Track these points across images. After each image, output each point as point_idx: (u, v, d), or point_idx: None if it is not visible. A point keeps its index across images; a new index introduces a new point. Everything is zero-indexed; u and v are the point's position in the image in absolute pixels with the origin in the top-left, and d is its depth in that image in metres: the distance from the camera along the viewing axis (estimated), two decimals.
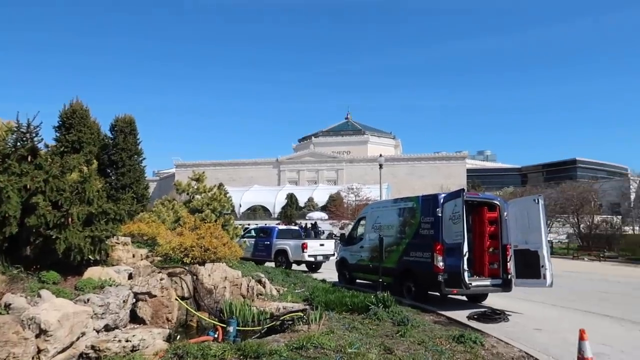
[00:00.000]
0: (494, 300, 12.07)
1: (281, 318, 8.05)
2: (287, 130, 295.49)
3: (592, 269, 23.61)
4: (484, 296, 12.21)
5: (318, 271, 20.30)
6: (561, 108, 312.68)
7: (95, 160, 13.98)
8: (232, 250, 10.63)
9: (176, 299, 8.36)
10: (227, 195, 16.73)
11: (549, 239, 39.32)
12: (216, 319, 8.75)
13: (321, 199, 64.87)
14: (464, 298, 12.37)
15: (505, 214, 11.58)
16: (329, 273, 17.56)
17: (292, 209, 56.97)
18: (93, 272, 8.22)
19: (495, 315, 9.93)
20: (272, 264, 20.04)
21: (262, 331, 7.84)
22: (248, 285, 9.96)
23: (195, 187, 15.25)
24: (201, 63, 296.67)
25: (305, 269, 20.53)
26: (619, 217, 40.73)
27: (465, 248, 10.32)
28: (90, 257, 8.24)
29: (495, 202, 11.87)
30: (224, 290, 9.52)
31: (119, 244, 10.28)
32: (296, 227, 25.48)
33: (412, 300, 11.37)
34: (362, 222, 14.83)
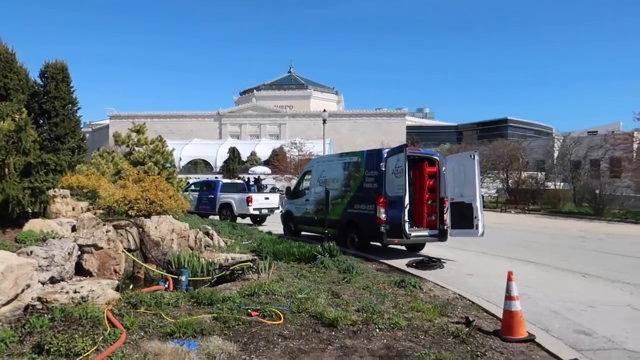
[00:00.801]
0: (431, 250, 12.86)
1: (231, 268, 8.23)
2: (228, 83, 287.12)
3: (518, 221, 25.43)
4: (421, 246, 12.96)
5: (263, 224, 20.54)
6: (496, 68, 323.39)
7: (24, 109, 13.08)
8: (178, 202, 10.56)
9: (123, 251, 8.30)
10: (169, 148, 16.30)
11: (481, 193, 41.68)
12: (164, 271, 8.80)
13: (264, 153, 64.52)
14: (404, 248, 13.07)
15: (443, 168, 12.17)
16: (273, 226, 17.84)
17: (234, 163, 56.34)
18: (34, 225, 7.96)
19: (432, 263, 10.63)
20: (217, 218, 20.07)
21: (212, 281, 8.00)
22: (196, 237, 10.02)
23: (136, 139, 14.76)
24: (135, 11, 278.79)
25: (250, 222, 20.72)
26: (543, 173, 43.64)
27: (407, 201, 10.83)
28: (29, 209, 7.95)
29: (435, 157, 12.43)
30: (171, 243, 9.53)
31: (57, 196, 9.92)
32: (241, 181, 25.41)
33: (355, 250, 11.89)
34: (308, 176, 15.07)
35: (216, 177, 33.11)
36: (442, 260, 11.05)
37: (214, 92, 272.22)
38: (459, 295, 7.63)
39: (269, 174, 49.17)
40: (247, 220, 20.85)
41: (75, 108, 16.29)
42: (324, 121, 34.33)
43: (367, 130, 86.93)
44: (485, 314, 6.71)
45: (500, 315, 5.99)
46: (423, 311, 6.21)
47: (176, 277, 7.92)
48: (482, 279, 9.40)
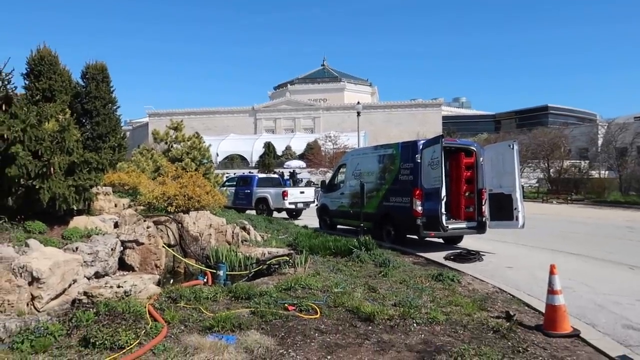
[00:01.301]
0: (469, 242, 12.63)
1: (267, 262, 8.31)
2: (262, 77, 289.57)
3: (560, 212, 24.64)
4: (459, 238, 12.75)
5: (299, 218, 20.67)
6: (535, 54, 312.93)
7: (68, 110, 13.60)
8: (215, 198, 10.74)
9: (163, 246, 8.51)
10: (205, 144, 16.56)
11: (521, 183, 40.57)
12: (203, 265, 8.99)
13: (299, 147, 64.85)
14: (441, 240, 12.89)
15: (481, 159, 11.90)
16: (309, 220, 17.91)
17: (270, 157, 56.82)
18: (78, 222, 8.26)
19: (470, 256, 10.43)
20: (253, 212, 20.34)
21: (250, 275, 8.10)
22: (233, 232, 10.16)
23: (174, 136, 15.09)
24: (170, 3, 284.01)
25: (286, 216, 20.89)
26: (587, 161, 42.08)
27: (444, 192, 10.65)
28: (74, 206, 8.25)
29: (472, 147, 12.16)
30: (209, 238, 9.70)
31: (100, 193, 10.26)
32: (276, 176, 25.63)
33: (391, 244, 11.80)
34: (342, 169, 15.04)
35: (252, 172, 33.64)
36: (481, 253, 10.82)
37: (249, 87, 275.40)
38: (499, 288, 7.45)
39: (304, 168, 49.41)
40: (284, 214, 21.03)
41: (115, 107, 16.84)
42: (358, 113, 34.10)
43: (401, 122, 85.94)
44: (526, 308, 6.53)
45: (542, 309, 5.82)
46: (462, 305, 6.10)
47: (214, 271, 8.06)
48: (522, 272, 9.15)
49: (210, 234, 9.78)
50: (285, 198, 19.40)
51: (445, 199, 10.74)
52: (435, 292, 6.84)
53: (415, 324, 5.35)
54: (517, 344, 4.90)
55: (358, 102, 38.18)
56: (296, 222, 18.02)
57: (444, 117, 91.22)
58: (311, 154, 51.79)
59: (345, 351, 4.53)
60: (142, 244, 7.91)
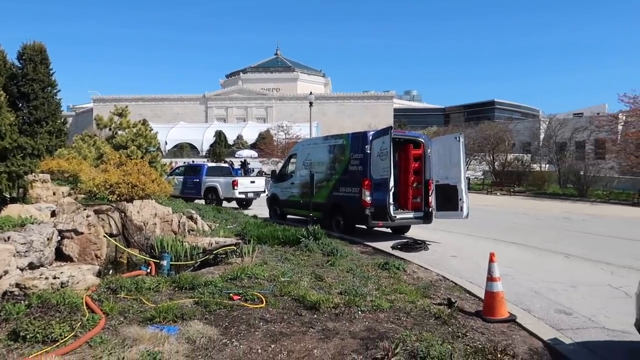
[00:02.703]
0: (416, 232, 12.91)
1: (214, 252, 8.18)
2: (214, 66, 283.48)
3: (503, 203, 25.65)
4: (407, 228, 13.01)
5: (249, 208, 20.47)
6: (484, 50, 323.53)
7: (1, 92, 12.75)
8: (161, 187, 10.43)
9: (104, 236, 8.19)
10: (153, 131, 16.03)
11: (467, 175, 41.90)
12: (147, 255, 8.73)
13: (251, 136, 64.16)
14: (389, 230, 13.12)
15: (429, 151, 12.17)
16: (259, 209, 17.78)
17: (220, 146, 55.91)
18: (12, 210, 7.80)
19: (417, 245, 10.67)
20: (202, 202, 19.95)
21: (196, 265, 7.95)
22: (179, 222, 9.92)
23: (118, 122, 14.49)
24: None
25: (236, 206, 20.64)
26: (529, 155, 43.97)
27: (392, 183, 10.82)
28: (7, 194, 7.78)
29: (420, 139, 12.41)
30: (154, 227, 9.42)
31: (37, 181, 9.75)
32: (226, 165, 25.23)
33: (341, 233, 11.90)
34: (293, 159, 14.98)
35: (203, 161, 32.94)
36: (427, 242, 11.09)
37: (200, 74, 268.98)
38: (442, 276, 7.66)
39: (255, 158, 48.97)
40: (234, 204, 20.76)
41: (55, 91, 15.89)
42: (311, 104, 34.10)
43: (354, 113, 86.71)
44: (467, 295, 6.75)
45: (483, 296, 6.03)
46: (406, 293, 6.22)
47: (158, 261, 7.85)
48: (465, 261, 9.46)
49: (155, 224, 9.50)
50: (235, 187, 19.13)
51: (393, 190, 10.91)
52: (381, 281, 6.95)
53: (360, 312, 5.40)
54: (457, 330, 5.05)
55: (310, 93, 38.16)
56: (246, 212, 17.83)
57: (396, 110, 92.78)
58: (263, 144, 51.40)
59: (289, 339, 4.52)
60: (82, 233, 7.57)
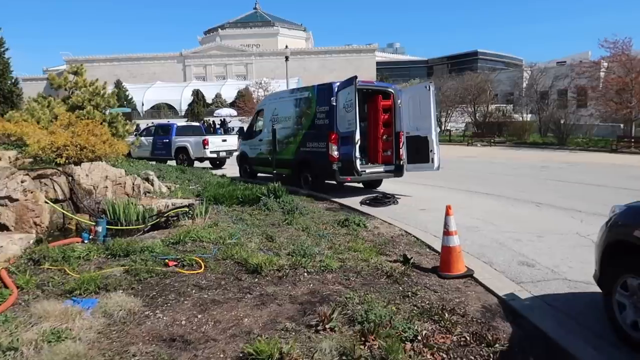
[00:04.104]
0: (389, 186, 12.55)
1: (165, 214, 7.72)
2: (192, 21, 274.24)
3: (483, 154, 25.42)
4: (378, 182, 12.64)
5: (223, 167, 19.95)
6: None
7: None
8: (113, 147, 9.82)
9: (46, 202, 7.65)
10: (109, 89, 14.97)
11: (448, 127, 41.44)
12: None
13: (230, 94, 62.49)
14: (361, 185, 12.75)
15: (399, 101, 11.64)
16: (233, 169, 17.26)
17: (199, 106, 54.47)
18: None
19: (386, 199, 10.33)
20: (174, 163, 19.36)
21: (145, 229, 7.49)
22: (133, 184, 9.38)
23: (74, 81, 13.65)
24: None
25: (210, 165, 20.10)
26: (511, 105, 43.58)
27: (358, 136, 10.33)
28: None
29: (389, 90, 11.85)
30: (105, 191, 8.89)
31: None
32: (197, 124, 24.44)
33: (309, 190, 11.51)
34: (261, 115, 14.36)
35: (185, 122, 31.98)
36: (397, 196, 10.75)
37: (178, 32, 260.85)
38: (405, 231, 7.33)
39: (234, 116, 47.87)
40: (207, 164, 20.21)
41: (3, 49, 14.78)
42: (287, 58, 33.01)
43: (336, 67, 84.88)
44: (428, 250, 6.43)
45: None
46: (360, 251, 5.85)
47: (114, 226, 7.39)
48: (433, 213, 9.11)
49: (107, 187, 8.96)
50: (206, 147, 18.50)
51: (359, 143, 10.44)
52: (338, 238, 6.58)
53: (306, 274, 5.04)
54: (408, 288, 4.71)
55: (286, 46, 36.90)
56: (219, 171, 17.33)
57: (378, 63, 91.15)
58: (242, 102, 50.06)
59: (220, 308, 4.13)
60: (17, 200, 7.01)
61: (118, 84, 58.36)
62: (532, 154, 24.97)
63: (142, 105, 63.62)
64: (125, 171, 9.57)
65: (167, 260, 5.17)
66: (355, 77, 10.25)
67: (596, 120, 33.42)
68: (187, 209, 7.67)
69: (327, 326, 3.67)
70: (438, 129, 12.78)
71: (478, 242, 6.98)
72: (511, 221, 8.43)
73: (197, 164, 19.56)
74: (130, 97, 60.06)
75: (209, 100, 59.97)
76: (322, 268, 5.14)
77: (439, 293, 4.69)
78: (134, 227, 7.66)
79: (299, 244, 5.94)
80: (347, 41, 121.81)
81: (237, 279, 4.86)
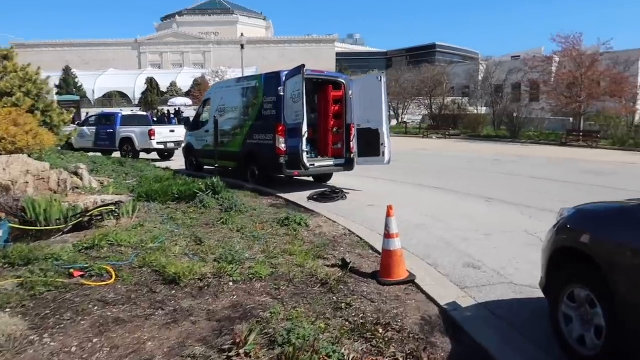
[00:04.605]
0: (340, 180, 12.15)
1: (89, 213, 7.01)
2: (149, 8, 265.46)
3: (438, 146, 25.46)
4: (329, 176, 12.22)
5: (171, 159, 19.04)
6: None
7: None
8: (38, 139, 8.96)
9: None
10: (42, 75, 13.78)
11: (405, 119, 41.56)
12: (17, 220, 7.45)
13: (185, 83, 60.47)
14: (311, 179, 12.30)
15: (350, 92, 11.22)
16: (182, 161, 16.42)
17: (152, 94, 52.45)
18: None
19: (334, 195, 9.92)
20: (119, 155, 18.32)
21: (66, 230, 6.77)
22: (59, 179, 8.57)
23: (2, 65, 12.52)
24: None
25: (158, 157, 19.16)
26: (467, 98, 44.10)
27: (305, 128, 9.84)
28: None
29: (340, 80, 11.41)
30: (26, 186, 8.06)
31: None
32: (144, 113, 23.30)
33: (256, 185, 10.97)
34: (207, 104, 13.64)
35: (134, 110, 30.55)
36: (346, 191, 10.36)
37: (135, 19, 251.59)
38: (349, 230, 6.91)
39: (190, 106, 46.34)
40: (155, 156, 19.25)
41: None
42: (242, 46, 32.11)
43: (295, 57, 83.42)
44: (371, 251, 6.04)
45: None
46: (297, 254, 5.39)
47: (23, 227, 6.63)
48: (382, 210, 8.52)
49: (28, 182, 8.13)
50: (153, 137, 17.53)
51: (306, 135, 9.96)
52: (274, 240, 6.08)
53: (231, 283, 4.53)
54: (342, 299, 4.28)
55: (242, 34, 35.92)
56: (167, 164, 16.49)
57: (338, 54, 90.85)
58: (197, 91, 48.54)
59: (123, 329, 3.58)
60: None
61: (67, 71, 55.58)
62: (485, 147, 25.20)
63: (93, 93, 60.86)
64: (51, 165, 8.73)
65: (72, 270, 4.53)
66: (303, 65, 9.73)
67: (547, 114, 34.17)
68: (113, 207, 6.99)
69: (241, 351, 3.18)
70: (394, 122, 12.43)
71: (425, 242, 6.65)
72: (460, 218, 8.17)
73: (144, 156, 18.60)
74: (80, 84, 57.34)
75: (163, 88, 57.96)
76: (251, 276, 4.65)
77: (376, 303, 4.28)
78: (53, 227, 6.92)
79: (230, 247, 5.40)
80: (308, 32, 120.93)
81: (151, 291, 4.30)
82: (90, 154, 17.60)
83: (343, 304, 4.14)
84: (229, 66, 59.32)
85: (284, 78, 10.32)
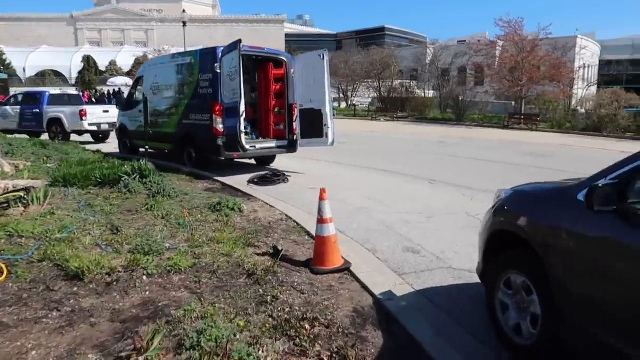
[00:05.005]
0: (283, 162, 11.73)
1: None
2: None
3: (386, 129, 25.44)
4: (272, 159, 11.78)
5: (107, 142, 17.92)
6: None
7: None
8: None
9: None
10: (1, 54, 12.41)
11: (355, 102, 41.47)
12: None
13: (127, 62, 57.69)
14: (253, 162, 11.81)
15: (292, 71, 10.75)
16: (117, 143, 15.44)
17: (90, 73, 49.57)
18: None
19: (275, 178, 9.51)
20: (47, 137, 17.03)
21: None
22: None
23: None
24: None
25: (93, 140, 18.00)
26: (415, 81, 44.49)
27: (243, 108, 9.31)
28: None
29: (282, 57, 10.91)
30: None
31: None
32: (75, 92, 21.84)
33: (192, 168, 10.37)
34: (140, 83, 12.77)
35: (78, 90, 28.60)
36: (288, 174, 9.97)
37: None
38: (286, 215, 6.52)
39: (130, 86, 44.35)
40: (89, 138, 18.06)
41: None
42: (184, 23, 30.78)
43: (243, 38, 79.87)
44: (307, 237, 5.67)
45: None
46: (224, 242, 4.94)
47: None
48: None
49: None
50: (84, 118, 16.34)
51: (244, 115, 9.44)
52: (202, 227, 5.59)
53: (145, 277, 4.04)
54: (269, 291, 3.90)
55: (184, 11, 34.45)
56: (101, 146, 15.49)
57: (287, 35, 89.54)
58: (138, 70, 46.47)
59: (5, 335, 3.05)
60: None
61: None
62: (431, 129, 25.42)
63: (24, 71, 57.00)
64: None
65: None
66: (240, 40, 9.17)
67: (491, 97, 34.98)
68: (22, 194, 6.26)
69: (141, 358, 2.74)
70: (343, 104, 12.04)
71: (365, 226, 6.38)
72: (403, 200, 7.98)
73: (76, 138, 17.39)
74: (8, 62, 53.47)
75: (102, 67, 55.02)
76: (169, 268, 4.18)
77: (306, 295, 3.94)
78: None
79: (149, 236, 4.89)
80: (256, 11, 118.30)
81: (48, 289, 3.75)
82: (15, 135, 16.30)
83: (269, 297, 3.76)
84: (172, 45, 57.02)
85: (220, 54, 9.71)
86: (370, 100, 42.09)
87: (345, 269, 4.56)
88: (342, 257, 4.72)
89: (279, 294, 3.83)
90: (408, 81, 42.93)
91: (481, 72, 38.06)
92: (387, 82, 39.06)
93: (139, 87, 12.80)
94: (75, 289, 3.77)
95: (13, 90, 36.52)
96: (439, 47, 42.08)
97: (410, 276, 4.67)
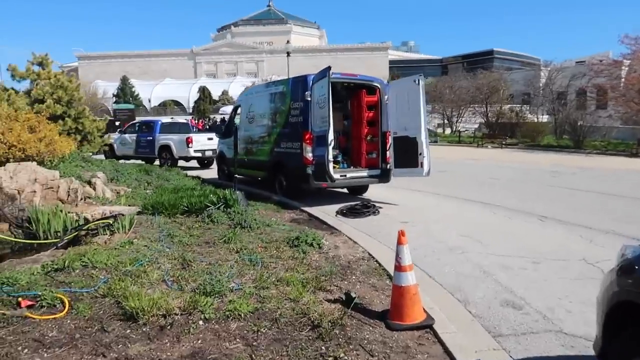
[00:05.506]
0: (376, 192, 11.20)
1: (85, 227, 6.48)
2: (205, 21, 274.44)
3: (492, 156, 23.82)
4: (364, 188, 11.30)
5: (211, 167, 18.74)
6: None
7: None
8: (50, 147, 8.62)
9: None
10: (74, 82, 13.73)
11: (460, 127, 39.80)
12: (21, 231, 7.11)
13: (237, 92, 61.14)
14: (346, 191, 11.43)
15: (386, 97, 10.28)
16: None
17: (205, 103, 53.38)
18: None
19: (365, 209, 8.99)
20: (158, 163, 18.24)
21: (59, 244, 6.27)
22: (69, 188, 8.16)
23: (37, 72, 12.57)
24: None
25: (198, 165, 18.98)
26: (527, 105, 41.66)
27: (331, 136, 8.97)
28: None
29: (375, 84, 10.49)
30: (32, 195, 7.70)
31: None
32: (184, 121, 23.24)
33: (283, 196, 10.23)
34: (238, 111, 13.08)
35: (186, 119, 30.73)
36: (379, 205, 9.41)
37: (191, 31, 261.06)
38: (369, 254, 5.96)
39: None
40: (195, 164, 19.08)
41: None
42: (288, 54, 31.84)
43: (348, 66, 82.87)
44: (389, 281, 5.03)
45: None
46: (294, 284, 4.52)
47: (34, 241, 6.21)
48: (416, 227, 7.74)
49: (35, 191, 7.77)
50: (190, 145, 17.26)
51: (332, 144, 9.08)
52: (275, 264, 5.23)
53: (202, 321, 3.72)
54: (334, 350, 3.36)
55: (287, 41, 35.70)
56: (201, 172, 16.17)
57: (391, 62, 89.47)
58: None
59: None
60: None
61: (124, 80, 57.79)
62: (544, 157, 23.32)
63: (149, 101, 62.91)
64: (62, 173, 8.35)
65: (20, 299, 3.90)
66: (329, 67, 8.89)
67: (616, 122, 31.48)
68: (111, 221, 6.42)
69: None
70: (447, 130, 11.30)
71: (457, 270, 5.61)
72: (504, 240, 7.02)
73: (183, 164, 18.43)
74: (136, 93, 59.42)
75: (216, 97, 58.98)
76: (228, 313, 3.82)
77: (376, 358, 3.34)
78: (48, 241, 6.46)
79: (218, 273, 4.61)
80: (361, 39, 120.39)
81: (102, 329, 3.56)
82: (131, 161, 17.65)
83: (331, 358, 3.23)
84: (279, 74, 59.46)
85: (311, 82, 9.54)
86: (476, 125, 40.12)
87: (428, 325, 3.89)
88: (425, 311, 4.05)
89: (342, 355, 3.29)
90: (519, 106, 40.30)
91: (604, 94, 34.48)
92: (495, 106, 36.93)
93: (238, 113, 13.12)
94: (127, 331, 3.54)
95: (138, 119, 40.41)
96: (554, 69, 39.04)
97: (509, 339, 3.86)
